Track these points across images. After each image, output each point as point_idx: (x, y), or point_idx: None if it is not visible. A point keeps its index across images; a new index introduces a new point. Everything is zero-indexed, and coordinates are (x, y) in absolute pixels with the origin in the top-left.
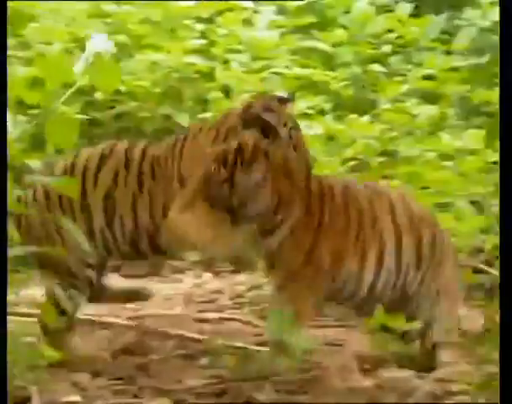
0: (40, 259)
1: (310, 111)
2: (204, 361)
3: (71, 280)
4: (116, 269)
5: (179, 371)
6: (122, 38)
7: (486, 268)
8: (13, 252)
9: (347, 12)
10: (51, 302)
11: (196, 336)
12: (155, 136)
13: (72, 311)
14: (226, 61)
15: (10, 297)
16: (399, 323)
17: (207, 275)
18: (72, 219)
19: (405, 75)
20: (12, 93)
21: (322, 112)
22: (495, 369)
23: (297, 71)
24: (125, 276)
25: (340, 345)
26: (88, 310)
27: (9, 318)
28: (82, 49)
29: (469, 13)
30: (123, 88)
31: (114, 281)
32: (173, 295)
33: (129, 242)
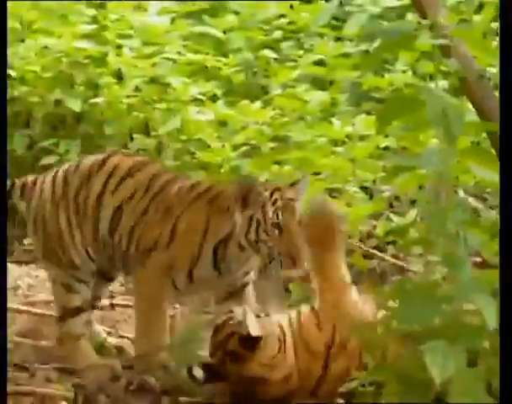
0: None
1: (201, 97)
2: None
3: (73, 272)
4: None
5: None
6: (12, 23)
7: (377, 253)
8: None
9: None
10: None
11: None
12: (46, 121)
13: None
14: (117, 47)
15: None
16: None
17: None
18: (82, 214)
19: (296, 61)
20: None
21: (213, 98)
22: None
23: (189, 56)
24: (16, 262)
25: None
26: None
27: None
28: None
29: None
30: (13, 73)
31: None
32: None
33: (121, 264)
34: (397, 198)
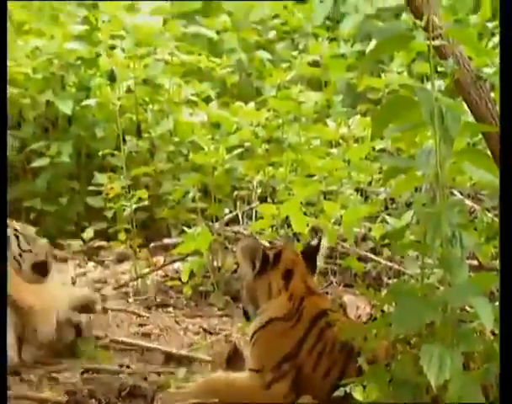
0: None
1: (195, 98)
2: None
3: None
4: None
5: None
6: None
7: (372, 256)
8: None
9: None
10: None
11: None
12: (37, 123)
13: None
14: (109, 48)
15: None
16: None
17: (90, 264)
18: None
19: (291, 61)
20: None
21: (207, 99)
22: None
23: (182, 57)
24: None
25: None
26: None
27: None
28: None
29: None
30: None
31: None
32: None
33: None
34: (392, 200)
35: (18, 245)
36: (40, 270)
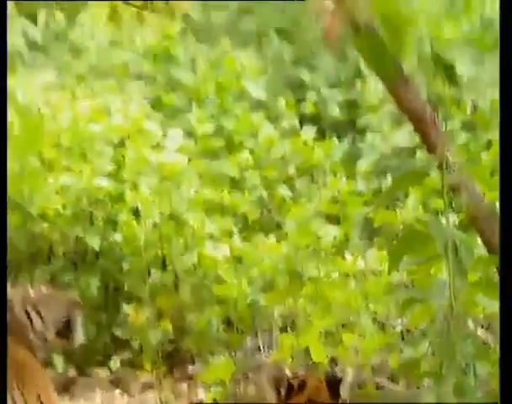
0: None
1: (217, 233)
2: None
3: None
4: None
5: None
6: (33, 160)
7: (388, 385)
8: None
9: (253, 136)
10: None
11: None
12: (67, 258)
13: None
14: (135, 184)
15: None
16: None
17: (117, 392)
18: None
19: (310, 197)
20: None
21: (229, 233)
22: None
23: (205, 193)
24: None
25: None
26: None
27: None
28: None
29: (371, 137)
30: (33, 211)
31: None
32: None
33: None
34: (408, 330)
35: (42, 321)
36: (65, 332)
